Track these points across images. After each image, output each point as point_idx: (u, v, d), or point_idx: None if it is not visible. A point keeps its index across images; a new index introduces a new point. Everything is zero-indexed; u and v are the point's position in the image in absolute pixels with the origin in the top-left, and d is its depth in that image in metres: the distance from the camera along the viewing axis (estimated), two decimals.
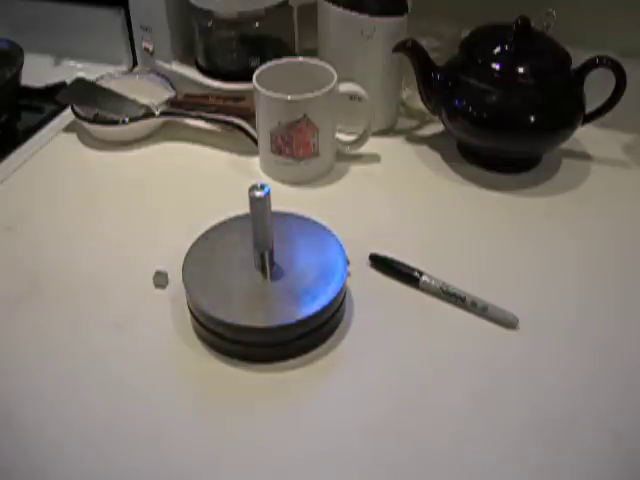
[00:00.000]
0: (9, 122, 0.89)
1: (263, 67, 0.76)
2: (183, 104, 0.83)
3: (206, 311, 0.57)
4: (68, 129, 0.86)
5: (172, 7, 0.85)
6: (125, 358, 0.59)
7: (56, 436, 0.53)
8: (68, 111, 0.85)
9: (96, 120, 0.83)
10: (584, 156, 0.80)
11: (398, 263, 0.65)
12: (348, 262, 0.62)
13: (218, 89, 0.84)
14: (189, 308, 0.61)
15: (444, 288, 0.63)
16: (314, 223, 0.65)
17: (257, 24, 0.83)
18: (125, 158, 0.81)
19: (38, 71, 0.94)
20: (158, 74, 0.88)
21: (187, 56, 0.89)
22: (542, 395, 0.56)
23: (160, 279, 0.64)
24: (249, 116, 0.79)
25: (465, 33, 0.77)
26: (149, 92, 0.86)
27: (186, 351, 0.59)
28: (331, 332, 0.60)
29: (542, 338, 0.60)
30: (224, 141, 0.83)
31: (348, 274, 0.61)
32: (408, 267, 0.65)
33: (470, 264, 0.67)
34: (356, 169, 0.79)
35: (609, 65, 0.71)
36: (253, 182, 0.57)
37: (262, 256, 0.60)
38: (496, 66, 0.72)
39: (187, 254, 0.62)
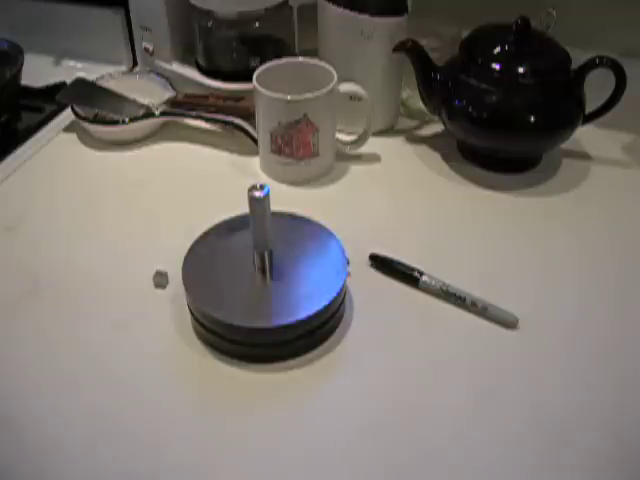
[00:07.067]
0: (9, 122, 0.89)
1: (263, 67, 0.76)
2: (183, 104, 0.83)
3: (206, 311, 0.57)
4: (68, 129, 0.86)
5: (172, 7, 0.85)
6: (125, 358, 0.59)
7: (56, 436, 0.53)
8: (68, 111, 0.85)
9: (96, 120, 0.83)
10: (584, 156, 0.80)
11: (398, 263, 0.65)
12: (348, 262, 0.62)
13: (218, 89, 0.84)
14: (189, 308, 0.60)
15: (444, 288, 0.63)
16: (314, 223, 0.65)
17: (257, 24, 0.83)
18: (125, 158, 0.81)
19: (38, 71, 0.94)
20: (158, 74, 0.88)
21: (187, 56, 0.89)
22: (542, 395, 0.56)
23: (160, 279, 0.64)
24: (249, 116, 0.79)
25: (465, 33, 0.77)
26: (149, 92, 0.86)
27: (186, 351, 0.59)
28: (331, 332, 0.60)
29: (542, 338, 0.60)
30: (224, 141, 0.83)
31: (348, 274, 0.61)
32: (408, 267, 0.65)
33: (470, 264, 0.67)
34: (356, 169, 0.79)
35: (609, 65, 0.71)
36: (253, 182, 0.57)
37: (262, 256, 0.60)
38: (496, 66, 0.72)
39: (187, 254, 0.62)
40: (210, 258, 0.62)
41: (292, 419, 0.54)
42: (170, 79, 0.87)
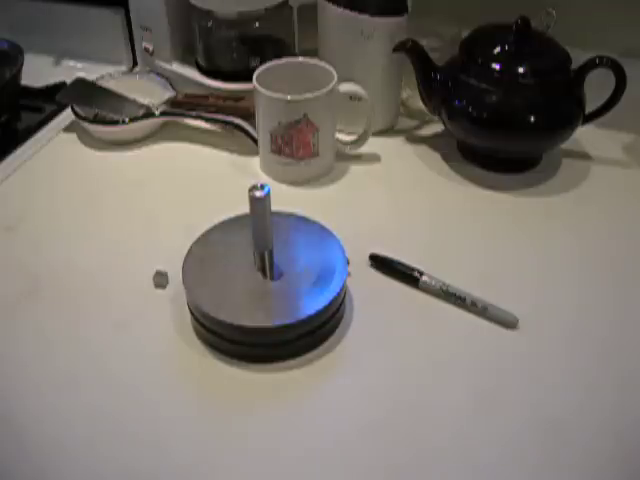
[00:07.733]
0: (9, 122, 0.89)
1: (263, 67, 0.76)
2: (183, 104, 0.83)
3: (206, 311, 0.57)
4: (68, 129, 0.86)
5: (172, 7, 0.85)
6: (125, 358, 0.59)
7: (56, 436, 0.53)
8: (68, 111, 0.85)
9: (96, 120, 0.83)
10: (584, 156, 0.80)
11: (398, 263, 0.65)
12: (348, 262, 0.62)
13: (218, 89, 0.84)
14: (189, 308, 0.61)
15: (444, 288, 0.63)
16: (314, 223, 0.65)
17: (257, 24, 0.83)
18: (125, 158, 0.81)
19: (38, 71, 0.94)
20: (158, 74, 0.88)
21: (187, 56, 0.89)
22: (542, 395, 0.56)
23: (160, 279, 0.64)
24: (249, 116, 0.79)
25: (465, 33, 0.77)
26: (149, 92, 0.86)
27: (186, 351, 0.59)
28: (331, 332, 0.60)
29: (542, 338, 0.60)
30: (224, 141, 0.83)
31: (348, 274, 0.61)
32: (408, 267, 0.65)
33: (470, 264, 0.67)
34: (356, 169, 0.79)
35: (609, 65, 0.71)
36: (253, 182, 0.57)
37: (262, 256, 0.60)
38: (496, 66, 0.72)
39: (187, 254, 0.62)
40: (210, 258, 0.62)
41: (292, 419, 0.54)
42: (170, 79, 0.87)
